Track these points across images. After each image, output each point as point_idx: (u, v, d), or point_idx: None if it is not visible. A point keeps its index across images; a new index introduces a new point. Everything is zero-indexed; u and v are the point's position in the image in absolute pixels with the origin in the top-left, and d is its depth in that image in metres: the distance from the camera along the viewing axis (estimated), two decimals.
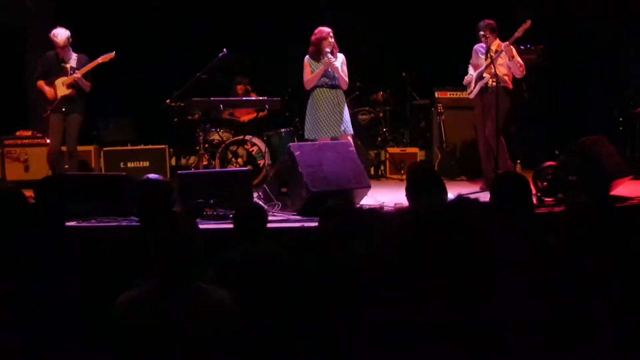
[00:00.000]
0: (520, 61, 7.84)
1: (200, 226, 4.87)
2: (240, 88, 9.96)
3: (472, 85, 8.06)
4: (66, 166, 8.19)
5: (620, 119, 9.82)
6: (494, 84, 7.71)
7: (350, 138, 7.81)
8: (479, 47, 8.06)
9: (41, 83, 8.15)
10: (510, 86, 7.97)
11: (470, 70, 8.15)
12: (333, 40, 7.73)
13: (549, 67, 10.01)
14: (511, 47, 7.74)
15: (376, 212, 3.32)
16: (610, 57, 10.40)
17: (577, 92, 10.65)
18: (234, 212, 4.60)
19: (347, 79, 7.90)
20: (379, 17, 11.11)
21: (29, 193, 6.06)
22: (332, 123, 7.79)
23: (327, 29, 7.76)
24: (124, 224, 5.94)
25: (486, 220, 2.52)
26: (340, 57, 7.85)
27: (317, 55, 7.75)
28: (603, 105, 10.33)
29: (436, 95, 10.21)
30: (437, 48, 10.85)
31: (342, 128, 7.81)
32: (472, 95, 8.09)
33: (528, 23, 7.62)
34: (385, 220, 2.95)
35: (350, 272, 2.88)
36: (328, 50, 7.67)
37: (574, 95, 10.66)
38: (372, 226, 3.07)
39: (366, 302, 2.64)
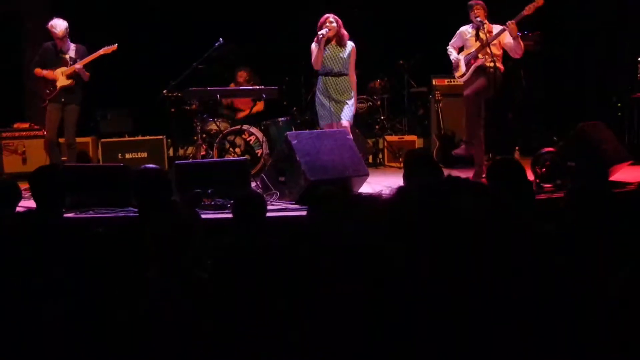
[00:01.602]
0: (521, 42, 7.69)
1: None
2: (240, 75, 9.97)
3: (462, 67, 7.86)
4: (64, 157, 8.19)
5: (619, 105, 9.81)
6: (492, 64, 7.59)
7: (347, 125, 7.78)
8: (467, 28, 7.88)
9: (39, 70, 8.14)
10: (502, 68, 7.83)
11: (453, 52, 7.93)
12: (334, 25, 7.72)
13: (547, 53, 9.99)
14: (514, 25, 7.44)
15: (371, 198, 3.31)
16: (608, 42, 10.38)
17: (575, 78, 10.64)
18: (232, 200, 4.59)
19: (354, 69, 7.93)
20: (375, 5, 11.07)
21: (26, 185, 6.06)
22: (334, 111, 7.78)
23: (327, 15, 7.79)
24: (122, 214, 5.94)
25: (477, 200, 2.50)
26: (349, 46, 7.85)
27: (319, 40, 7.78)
28: (601, 91, 10.32)
29: (434, 82, 10.18)
30: (434, 35, 10.81)
31: (341, 115, 7.79)
32: (464, 78, 7.82)
33: (540, 1, 7.34)
34: (377, 205, 2.94)
35: (339, 257, 2.88)
36: (322, 31, 7.67)
37: (571, 81, 10.64)
38: (363, 212, 3.07)
39: (355, 284, 2.63)
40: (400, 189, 2.49)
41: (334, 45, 7.81)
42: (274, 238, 4.07)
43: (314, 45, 7.79)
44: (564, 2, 10.29)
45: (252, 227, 4.19)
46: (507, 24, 7.51)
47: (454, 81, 9.89)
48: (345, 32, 7.82)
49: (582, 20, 10.40)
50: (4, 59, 10.63)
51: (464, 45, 7.87)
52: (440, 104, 9.94)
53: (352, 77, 7.93)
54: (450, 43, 7.98)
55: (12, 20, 10.68)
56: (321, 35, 7.66)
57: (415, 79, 10.97)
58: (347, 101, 7.80)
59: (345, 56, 7.81)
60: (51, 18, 8.16)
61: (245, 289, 3.45)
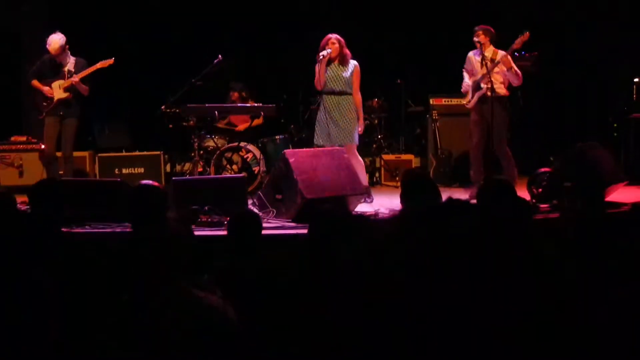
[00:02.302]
0: (518, 70, 7.87)
1: (195, 233, 4.87)
2: (234, 95, 9.96)
3: (470, 94, 8.08)
4: (61, 172, 8.18)
5: (615, 125, 9.85)
6: (490, 93, 7.77)
7: (352, 148, 7.81)
8: (474, 53, 8.07)
9: (36, 82, 8.15)
10: (507, 93, 8.01)
11: (465, 76, 8.17)
12: (337, 46, 7.72)
13: (544, 74, 10.03)
14: (509, 57, 7.77)
15: (368, 218, 3.33)
16: (605, 63, 10.42)
17: (571, 98, 10.68)
18: (228, 219, 4.59)
19: (358, 88, 7.94)
20: (373, 24, 11.12)
21: (23, 198, 6.05)
22: (334, 134, 7.78)
23: (329, 35, 7.80)
24: (118, 230, 5.92)
25: (475, 222, 2.52)
26: (351, 65, 7.85)
27: None
28: (598, 111, 10.36)
29: (431, 102, 10.21)
30: (432, 55, 10.87)
31: (345, 139, 7.78)
32: (470, 105, 8.14)
33: (526, 35, 7.66)
34: (377, 225, 2.95)
35: (339, 275, 2.89)
36: (323, 52, 7.68)
37: (568, 101, 10.68)
38: (363, 231, 3.08)
39: (355, 306, 2.64)
40: (401, 211, 2.51)
41: (336, 65, 7.81)
42: (271, 255, 4.07)
43: (317, 66, 7.79)
44: (562, 23, 10.36)
45: (247, 246, 4.19)
46: (500, 56, 7.74)
47: (451, 101, 9.98)
48: (347, 52, 7.83)
49: (579, 40, 10.44)
50: (3, 72, 10.64)
51: (472, 69, 8.06)
52: (438, 124, 9.96)
53: (357, 97, 7.93)
54: (464, 67, 8.21)
55: (10, 35, 10.71)
56: (321, 57, 7.67)
57: (413, 98, 10.99)
58: (350, 124, 7.80)
59: (347, 75, 7.80)
60: (49, 33, 8.17)
61: (242, 304, 3.45)
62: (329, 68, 7.79)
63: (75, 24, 9.21)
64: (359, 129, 8.02)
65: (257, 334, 3.07)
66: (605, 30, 10.24)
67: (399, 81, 10.76)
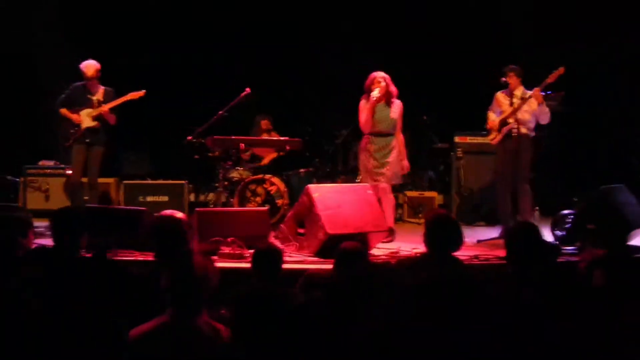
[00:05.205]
0: (546, 108, 7.84)
1: (216, 264, 4.88)
2: (264, 123, 10.04)
3: (494, 132, 8.03)
4: (86, 197, 8.25)
5: None
6: (516, 131, 7.73)
7: (386, 187, 7.70)
8: (503, 94, 8.02)
9: (64, 110, 8.23)
10: (533, 134, 7.95)
11: (490, 117, 8.11)
12: (383, 84, 7.64)
13: (568, 114, 9.99)
14: (539, 93, 7.71)
15: (388, 266, 3.36)
16: (630, 105, 10.37)
17: (596, 139, 10.63)
18: (251, 252, 4.62)
19: (400, 128, 7.86)
20: (399, 60, 11.16)
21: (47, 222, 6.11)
22: (375, 172, 7.74)
23: (375, 74, 7.72)
24: (141, 258, 5.96)
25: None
26: (396, 105, 7.76)
27: (368, 98, 7.69)
28: (623, 154, 10.29)
29: (456, 139, 10.20)
30: (458, 92, 10.87)
31: (383, 176, 7.72)
32: (495, 141, 8.03)
33: (561, 69, 7.57)
34: (397, 274, 2.98)
35: (365, 323, 2.91)
36: (374, 93, 7.61)
37: (593, 142, 10.63)
38: (385, 280, 3.11)
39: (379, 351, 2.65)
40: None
41: (382, 106, 7.71)
42: (291, 289, 4.08)
43: (362, 103, 7.71)
44: (588, 63, 10.33)
45: (269, 278, 4.21)
46: (533, 90, 7.67)
47: (476, 139, 9.95)
48: (393, 89, 7.73)
49: (605, 82, 10.41)
50: (31, 96, 10.74)
51: (500, 109, 8.01)
52: (462, 161, 9.94)
53: (400, 137, 7.86)
54: (490, 107, 8.12)
55: (35, 60, 10.82)
56: (374, 98, 7.57)
57: (438, 135, 10.98)
58: (395, 164, 7.73)
59: (394, 117, 7.72)
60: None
61: (259, 336, 3.46)
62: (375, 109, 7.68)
63: (97, 52, 9.22)
64: (405, 169, 7.96)
65: None
66: (634, 71, 10.21)
67: (424, 117, 10.76)
